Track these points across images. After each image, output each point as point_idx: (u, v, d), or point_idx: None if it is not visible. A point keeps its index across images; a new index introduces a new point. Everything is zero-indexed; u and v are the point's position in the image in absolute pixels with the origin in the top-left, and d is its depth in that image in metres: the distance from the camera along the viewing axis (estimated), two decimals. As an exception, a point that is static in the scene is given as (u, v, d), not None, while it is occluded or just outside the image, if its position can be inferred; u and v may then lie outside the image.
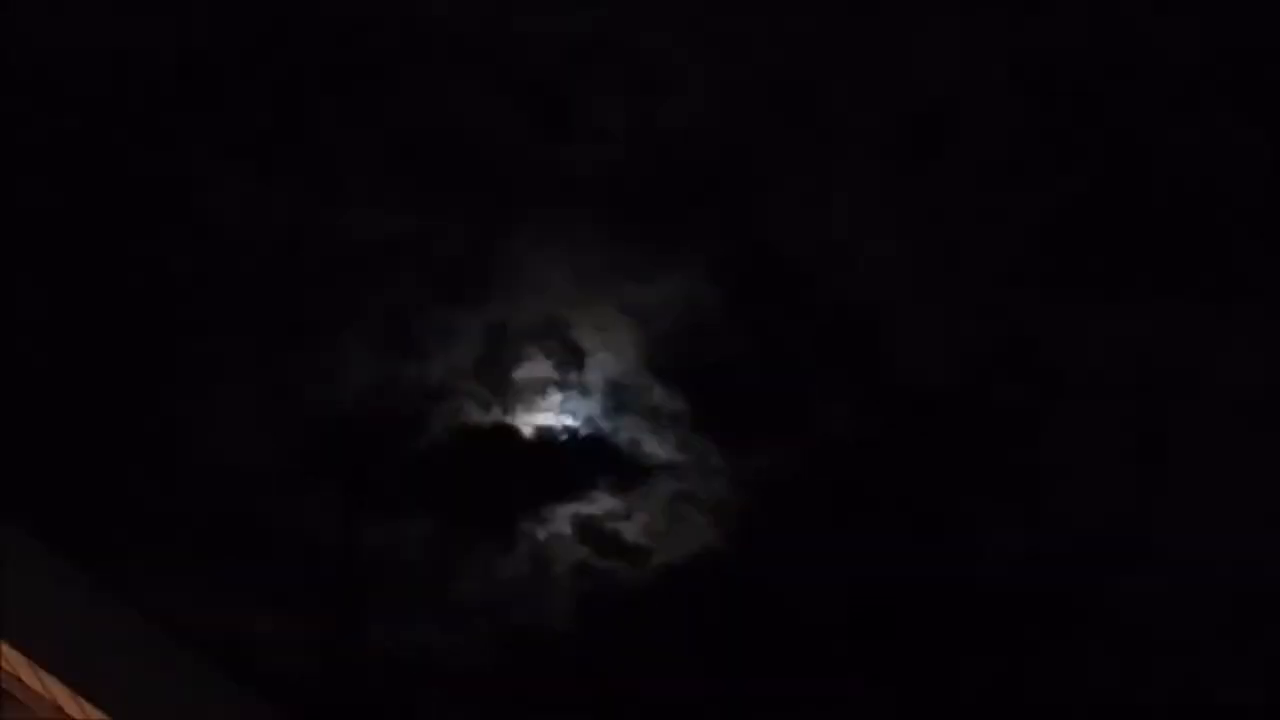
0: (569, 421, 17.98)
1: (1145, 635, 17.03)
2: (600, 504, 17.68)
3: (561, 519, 17.62)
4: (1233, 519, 17.09)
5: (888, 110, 18.63)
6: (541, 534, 17.53)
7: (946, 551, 17.64)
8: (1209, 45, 18.20)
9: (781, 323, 18.56)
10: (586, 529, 17.58)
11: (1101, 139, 18.45)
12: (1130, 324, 18.02)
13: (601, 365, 18.17)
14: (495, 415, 17.84)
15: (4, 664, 10.29)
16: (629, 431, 17.96)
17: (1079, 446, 17.72)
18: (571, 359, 18.11)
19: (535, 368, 18.05)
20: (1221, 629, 16.93)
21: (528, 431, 17.88)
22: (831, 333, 18.39)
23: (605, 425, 18.00)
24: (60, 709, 10.45)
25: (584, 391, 18.04)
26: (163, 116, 17.50)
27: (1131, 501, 17.51)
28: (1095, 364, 17.97)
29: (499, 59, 18.37)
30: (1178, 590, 17.15)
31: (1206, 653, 16.65)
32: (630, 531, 17.64)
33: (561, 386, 18.03)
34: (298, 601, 16.74)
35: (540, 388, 18.02)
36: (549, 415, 17.96)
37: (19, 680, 10.42)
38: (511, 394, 17.95)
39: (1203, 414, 17.63)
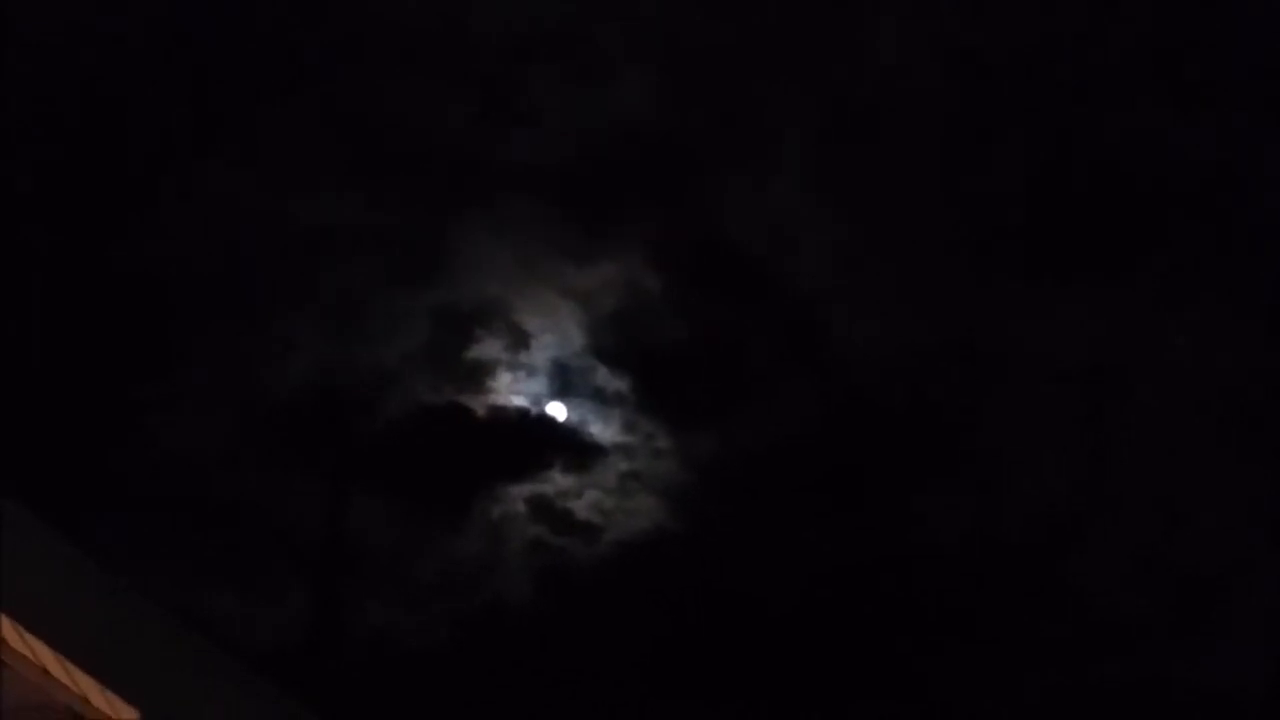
0: (518, 402, 18.18)
1: (1091, 616, 17.35)
2: (552, 483, 17.89)
3: (515, 498, 17.82)
4: (1175, 502, 17.48)
5: (828, 100, 18.94)
6: (496, 512, 17.71)
7: (892, 532, 17.91)
8: (1143, 41, 18.66)
9: (721, 306, 18.80)
10: (539, 507, 17.77)
11: (1039, 131, 18.83)
12: (1070, 311, 18.35)
13: (547, 347, 18.37)
14: (446, 396, 18.01)
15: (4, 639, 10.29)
16: (576, 412, 18.18)
17: (1023, 431, 18.06)
18: (518, 341, 18.29)
19: (483, 350, 18.24)
20: (1168, 609, 17.28)
21: (479, 412, 18.07)
22: (772, 316, 18.65)
23: (553, 406, 18.20)
24: (46, 672, 10.47)
25: (531, 373, 18.24)
26: (121, 108, 17.56)
27: (1077, 485, 17.86)
28: (1038, 350, 18.29)
29: (448, 52, 18.56)
30: (1122, 572, 17.51)
31: (1154, 632, 16.99)
32: (582, 510, 17.84)
33: (510, 368, 18.22)
34: (256, 579, 16.84)
35: (489, 370, 18.21)
36: (498, 396, 18.16)
37: (22, 657, 10.41)
38: (461, 376, 18.13)
39: (1143, 398, 17.99)
